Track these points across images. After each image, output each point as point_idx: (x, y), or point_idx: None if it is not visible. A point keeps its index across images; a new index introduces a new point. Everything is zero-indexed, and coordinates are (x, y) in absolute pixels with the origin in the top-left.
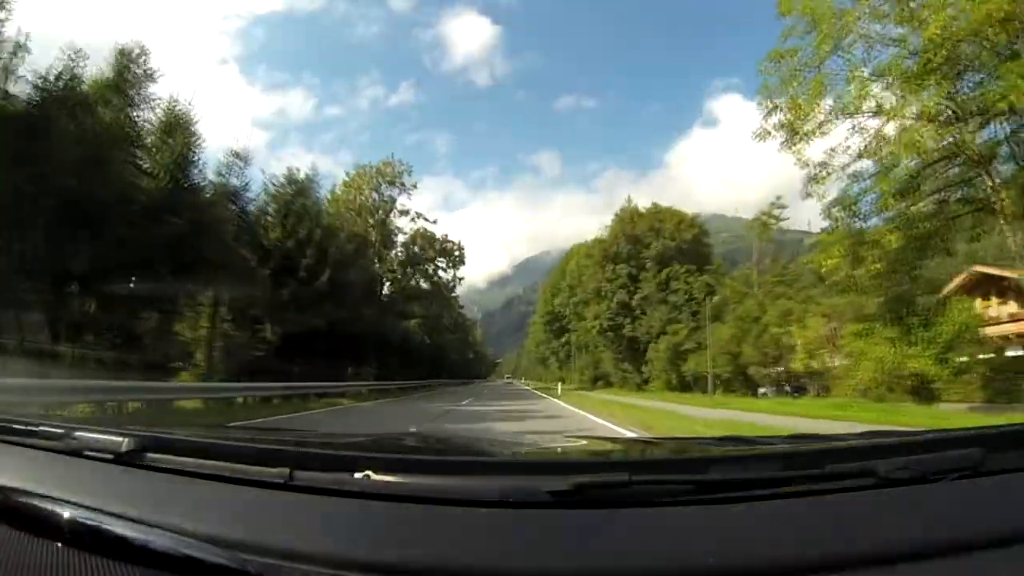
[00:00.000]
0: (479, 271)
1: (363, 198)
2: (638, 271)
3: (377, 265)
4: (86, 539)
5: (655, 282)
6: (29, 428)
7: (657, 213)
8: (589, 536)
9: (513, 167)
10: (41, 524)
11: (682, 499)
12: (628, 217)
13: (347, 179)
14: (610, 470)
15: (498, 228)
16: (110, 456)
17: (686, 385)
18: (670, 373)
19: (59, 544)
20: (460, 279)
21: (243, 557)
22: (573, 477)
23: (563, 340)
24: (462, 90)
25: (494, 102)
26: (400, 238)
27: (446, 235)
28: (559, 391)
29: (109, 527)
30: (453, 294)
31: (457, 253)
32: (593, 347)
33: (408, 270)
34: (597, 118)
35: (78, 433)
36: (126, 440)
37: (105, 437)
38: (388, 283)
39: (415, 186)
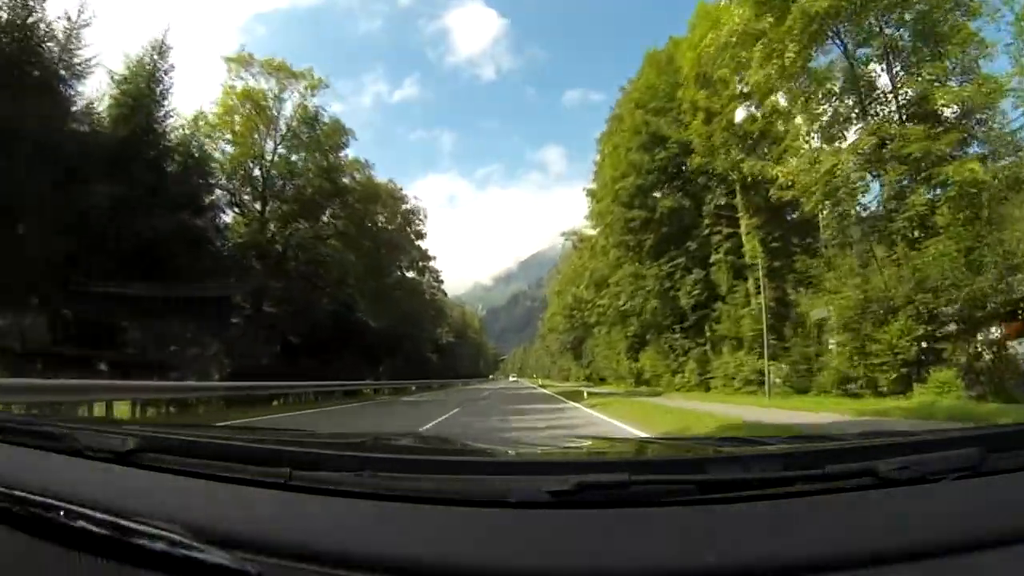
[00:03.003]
0: (485, 269)
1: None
2: None
3: None
4: (86, 539)
5: None
6: (29, 428)
7: None
8: (589, 536)
9: (518, 163)
10: (41, 524)
11: (682, 499)
12: None
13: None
14: (610, 470)
15: (504, 225)
16: (110, 456)
17: None
18: None
19: (59, 544)
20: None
21: (243, 557)
22: (573, 477)
23: (676, 263)
24: (467, 85)
25: (500, 97)
26: None
27: None
28: None
29: (109, 527)
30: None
31: None
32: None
33: None
34: (604, 112)
35: (78, 433)
36: (126, 440)
37: (105, 437)
38: None
39: None
